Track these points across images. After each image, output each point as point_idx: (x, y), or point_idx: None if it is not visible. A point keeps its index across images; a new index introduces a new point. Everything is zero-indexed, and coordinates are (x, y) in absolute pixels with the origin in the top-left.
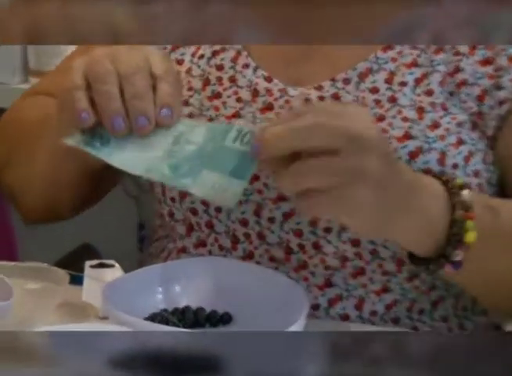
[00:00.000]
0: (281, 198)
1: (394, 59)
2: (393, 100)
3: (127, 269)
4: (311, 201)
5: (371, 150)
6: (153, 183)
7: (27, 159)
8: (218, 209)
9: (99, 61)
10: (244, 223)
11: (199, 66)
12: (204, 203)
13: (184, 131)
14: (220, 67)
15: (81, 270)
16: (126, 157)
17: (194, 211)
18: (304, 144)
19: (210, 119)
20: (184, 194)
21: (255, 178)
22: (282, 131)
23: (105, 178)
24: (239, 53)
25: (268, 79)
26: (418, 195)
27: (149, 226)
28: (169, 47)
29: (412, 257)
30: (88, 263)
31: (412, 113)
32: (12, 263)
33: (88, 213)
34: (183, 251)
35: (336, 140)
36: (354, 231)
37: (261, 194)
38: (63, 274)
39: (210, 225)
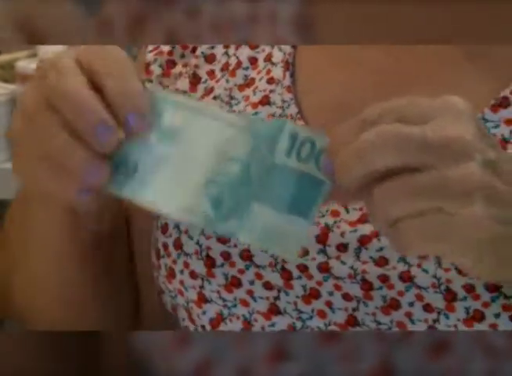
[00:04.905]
0: None
1: (508, 121)
2: None
3: None
4: (412, 232)
5: (468, 157)
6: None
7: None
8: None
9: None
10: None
11: None
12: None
13: (228, 138)
14: None
15: None
16: (156, 191)
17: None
18: (399, 160)
19: None
20: None
21: None
22: (363, 144)
23: None
24: None
25: None
26: None
27: None
28: None
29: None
30: None
31: None
32: None
33: None
34: None
35: (428, 153)
36: (473, 274)
37: None
38: None
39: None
